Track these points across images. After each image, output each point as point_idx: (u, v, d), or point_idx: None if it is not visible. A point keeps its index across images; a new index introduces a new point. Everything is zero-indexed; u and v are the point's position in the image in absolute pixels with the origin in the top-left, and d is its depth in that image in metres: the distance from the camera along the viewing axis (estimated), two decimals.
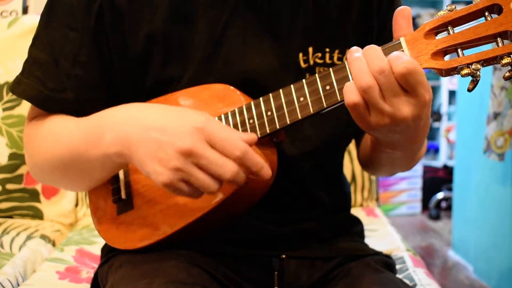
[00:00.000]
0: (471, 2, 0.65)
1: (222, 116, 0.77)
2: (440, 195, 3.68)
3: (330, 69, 0.71)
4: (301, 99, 0.73)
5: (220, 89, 0.80)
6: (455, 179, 2.92)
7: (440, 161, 3.98)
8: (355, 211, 1.36)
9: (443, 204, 3.69)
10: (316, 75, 0.72)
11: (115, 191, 0.86)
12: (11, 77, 1.45)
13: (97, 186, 0.89)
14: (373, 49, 0.66)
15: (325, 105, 0.71)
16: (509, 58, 0.62)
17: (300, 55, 0.85)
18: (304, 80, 0.73)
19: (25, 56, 0.84)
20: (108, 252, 0.90)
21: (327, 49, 0.86)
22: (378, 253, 0.95)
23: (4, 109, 1.45)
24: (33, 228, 1.40)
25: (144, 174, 0.71)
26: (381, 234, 1.41)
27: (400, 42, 0.67)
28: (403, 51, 0.67)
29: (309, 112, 0.72)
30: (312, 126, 0.86)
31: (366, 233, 1.04)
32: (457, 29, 0.66)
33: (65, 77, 0.82)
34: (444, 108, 4.04)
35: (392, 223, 1.53)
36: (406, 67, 0.63)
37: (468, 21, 0.65)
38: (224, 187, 0.76)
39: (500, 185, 2.33)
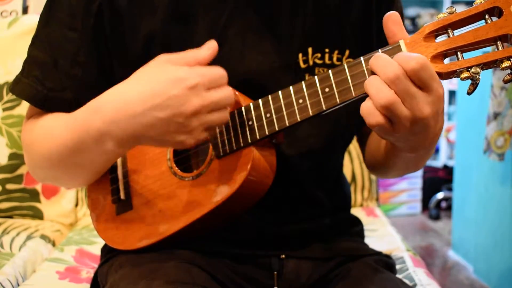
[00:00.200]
0: (471, 2, 0.65)
1: None
2: (440, 195, 3.67)
3: (329, 71, 0.70)
4: (300, 101, 0.72)
5: None
6: (455, 179, 2.92)
7: (440, 161, 3.98)
8: (355, 211, 1.36)
9: (443, 204, 3.69)
10: (315, 77, 0.72)
11: (114, 192, 0.86)
12: (11, 77, 1.45)
13: (97, 187, 0.89)
14: (380, 58, 0.64)
15: (324, 108, 0.71)
16: (509, 61, 0.62)
17: (300, 55, 0.85)
18: (303, 82, 0.73)
19: (25, 56, 0.84)
20: (108, 252, 0.90)
21: (327, 50, 0.86)
22: (378, 253, 0.95)
23: (4, 109, 1.45)
24: (33, 228, 1.40)
25: (170, 148, 0.75)
26: (381, 234, 1.41)
27: (399, 45, 0.67)
28: None
29: (308, 115, 0.72)
30: (312, 127, 0.86)
31: (366, 233, 1.04)
32: (457, 32, 0.65)
33: (64, 77, 0.82)
34: (444, 108, 4.02)
35: (392, 223, 1.53)
36: (418, 62, 0.62)
37: (468, 24, 0.65)
38: (224, 188, 0.76)
39: (500, 185, 2.33)
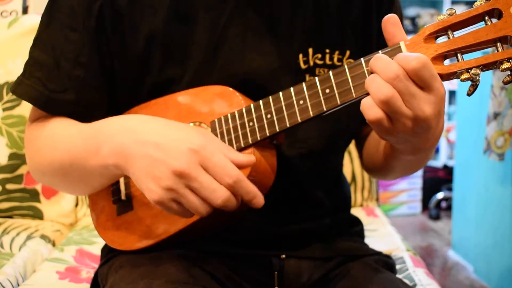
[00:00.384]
0: (471, 2, 0.65)
1: (222, 119, 0.77)
2: (440, 195, 3.67)
3: (330, 72, 0.70)
4: (301, 102, 0.72)
5: (219, 91, 0.80)
6: (455, 179, 2.92)
7: (440, 161, 3.97)
8: (355, 211, 1.37)
9: (443, 204, 3.69)
10: (316, 78, 0.72)
11: (115, 192, 0.86)
12: (11, 77, 1.45)
13: None
14: (380, 58, 0.64)
15: (325, 109, 0.71)
16: (509, 63, 0.62)
17: (300, 56, 0.85)
18: (304, 83, 0.73)
19: (25, 56, 0.84)
20: (108, 252, 0.91)
21: (327, 50, 0.86)
22: (378, 253, 0.95)
23: (4, 109, 1.45)
24: (33, 228, 1.40)
25: (138, 188, 0.72)
26: (381, 234, 1.41)
27: (399, 46, 0.67)
28: None
29: (309, 116, 0.72)
30: (312, 127, 0.86)
31: (366, 233, 1.04)
32: (457, 34, 0.65)
33: (66, 78, 0.82)
34: (444, 108, 4.02)
35: (392, 223, 1.54)
36: (419, 62, 0.62)
37: (468, 26, 0.65)
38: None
39: (500, 185, 2.33)
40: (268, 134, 0.75)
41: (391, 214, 3.60)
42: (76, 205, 1.55)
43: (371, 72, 0.65)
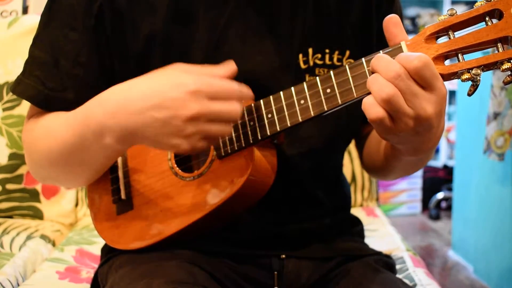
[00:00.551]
0: (471, 2, 0.65)
1: None
2: (440, 195, 3.67)
3: (331, 71, 0.71)
4: (302, 101, 0.72)
5: None
6: (455, 179, 2.92)
7: (440, 161, 3.97)
8: (355, 211, 1.36)
9: (443, 204, 3.69)
10: (317, 78, 0.72)
11: (115, 192, 0.86)
12: (11, 77, 1.45)
13: (97, 187, 0.89)
14: (381, 58, 0.64)
15: (325, 108, 0.71)
16: (509, 63, 0.62)
17: (300, 56, 0.85)
18: (304, 83, 0.73)
19: (25, 56, 0.84)
20: (108, 252, 0.91)
21: (327, 50, 0.86)
22: (378, 253, 0.95)
23: (4, 109, 1.45)
24: (33, 228, 1.40)
25: (162, 150, 0.73)
26: (381, 234, 1.41)
27: (400, 46, 0.67)
28: None
29: (310, 115, 0.72)
30: (312, 127, 0.86)
31: (366, 233, 1.04)
32: (458, 34, 0.65)
33: (65, 77, 0.82)
34: (445, 108, 4.01)
35: (392, 223, 1.53)
36: (420, 61, 0.62)
37: (469, 26, 0.65)
38: (225, 188, 0.76)
39: (500, 185, 2.33)
40: (269, 133, 0.75)
41: (391, 214, 3.60)
42: (76, 205, 1.55)
43: (372, 72, 0.65)
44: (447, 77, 0.66)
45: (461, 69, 0.65)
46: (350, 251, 0.92)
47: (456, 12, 0.65)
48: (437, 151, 4.11)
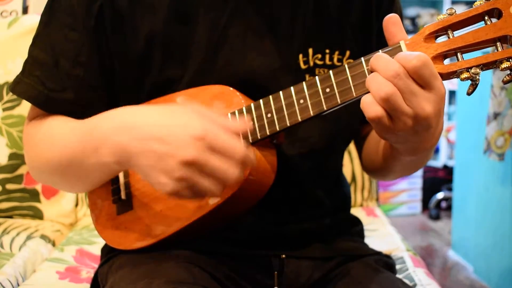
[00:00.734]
0: (471, 2, 0.66)
1: None
2: (440, 195, 3.67)
3: (330, 71, 0.71)
4: (301, 101, 0.73)
5: (219, 90, 0.80)
6: (455, 179, 2.92)
7: (440, 161, 3.97)
8: (355, 211, 1.36)
9: (443, 204, 3.69)
10: (316, 77, 0.72)
11: (115, 192, 0.86)
12: (11, 77, 1.45)
13: (98, 187, 0.89)
14: (380, 57, 0.64)
15: (325, 108, 0.71)
16: (509, 62, 0.62)
17: (300, 56, 0.85)
18: (304, 83, 0.73)
19: (25, 56, 0.84)
20: (108, 252, 0.91)
21: (327, 50, 0.86)
22: (378, 253, 0.95)
23: (4, 109, 1.45)
24: (33, 228, 1.40)
25: (149, 183, 0.71)
26: (381, 234, 1.41)
27: (400, 46, 0.67)
28: None
29: (309, 115, 0.72)
30: (312, 126, 0.86)
31: (366, 233, 1.04)
32: (457, 33, 0.65)
33: (65, 77, 0.82)
34: (444, 108, 4.01)
35: (392, 223, 1.53)
36: (419, 60, 0.62)
37: (468, 25, 0.65)
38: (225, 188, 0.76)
39: (500, 185, 2.33)
40: (268, 133, 0.75)
41: (391, 214, 3.60)
42: (76, 205, 1.55)
43: (371, 71, 0.65)
44: (446, 76, 0.66)
45: (460, 68, 0.65)
46: (350, 251, 0.92)
47: (455, 11, 0.65)
48: (437, 151, 4.11)
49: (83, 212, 1.55)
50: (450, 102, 4.03)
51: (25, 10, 1.80)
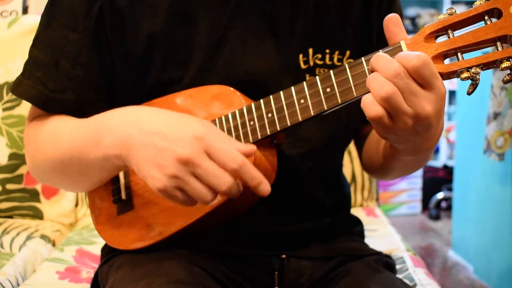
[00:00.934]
0: (471, 2, 0.66)
1: (222, 118, 0.77)
2: (440, 195, 3.67)
3: (331, 71, 0.71)
4: (302, 101, 0.73)
5: (220, 91, 0.80)
6: (455, 179, 2.92)
7: (440, 161, 3.97)
8: (355, 211, 1.37)
9: (443, 204, 3.69)
10: (317, 77, 0.72)
11: (115, 192, 0.86)
12: (11, 77, 1.45)
13: (98, 187, 0.89)
14: (381, 57, 0.64)
15: (325, 107, 0.71)
16: (509, 62, 0.62)
17: (300, 56, 0.85)
18: (304, 83, 0.73)
19: (25, 56, 0.84)
20: (108, 252, 0.91)
21: (327, 50, 0.86)
22: (378, 253, 0.95)
23: (4, 109, 1.45)
24: (33, 228, 1.40)
25: (140, 177, 0.71)
26: (381, 234, 1.41)
27: (400, 46, 0.67)
28: None
29: (310, 115, 0.72)
30: (312, 126, 0.86)
31: (366, 233, 1.04)
32: (457, 33, 0.65)
33: (65, 78, 0.82)
34: (444, 108, 4.01)
35: (392, 223, 1.53)
36: (419, 60, 0.62)
37: (468, 25, 0.65)
38: None
39: (500, 185, 2.33)
40: (269, 133, 0.75)
41: (391, 214, 3.60)
42: (76, 205, 1.55)
43: (371, 71, 0.65)
44: (446, 76, 0.66)
45: (460, 68, 0.65)
46: (350, 251, 0.93)
47: (455, 11, 0.65)
48: (437, 151, 4.11)
49: (83, 212, 1.55)
50: (450, 102, 4.04)
51: (25, 10, 1.80)
